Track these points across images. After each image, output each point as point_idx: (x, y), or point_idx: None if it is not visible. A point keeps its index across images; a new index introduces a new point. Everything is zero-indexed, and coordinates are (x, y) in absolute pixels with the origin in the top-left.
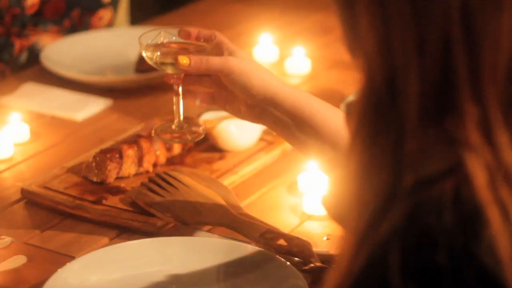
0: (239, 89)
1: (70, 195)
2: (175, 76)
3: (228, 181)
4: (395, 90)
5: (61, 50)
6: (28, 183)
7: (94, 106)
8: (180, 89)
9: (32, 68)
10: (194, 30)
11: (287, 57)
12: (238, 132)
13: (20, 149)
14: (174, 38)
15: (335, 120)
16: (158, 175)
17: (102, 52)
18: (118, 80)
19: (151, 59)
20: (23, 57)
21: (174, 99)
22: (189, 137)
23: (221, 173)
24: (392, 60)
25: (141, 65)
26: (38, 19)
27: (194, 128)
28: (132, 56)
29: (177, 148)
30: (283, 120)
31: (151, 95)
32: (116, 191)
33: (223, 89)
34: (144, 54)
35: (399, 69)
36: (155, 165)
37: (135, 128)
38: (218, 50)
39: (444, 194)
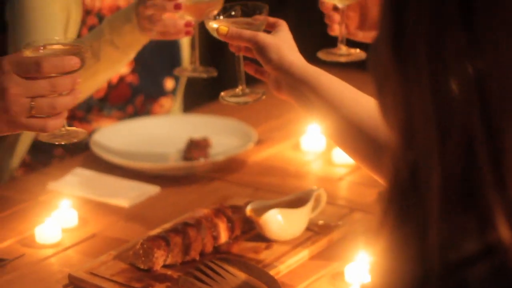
0: (260, 60)
1: (117, 282)
2: (235, 45)
3: (275, 271)
4: (418, 179)
5: (109, 136)
6: (75, 269)
7: (142, 192)
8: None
9: (82, 153)
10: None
11: (334, 147)
12: (285, 222)
13: (68, 235)
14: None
15: (340, 88)
16: (204, 264)
17: (150, 139)
18: (166, 167)
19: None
20: (83, 143)
21: (236, 66)
22: (250, 98)
23: (267, 263)
24: (415, 146)
25: (189, 153)
26: (104, 104)
27: (255, 92)
28: (181, 144)
29: (224, 237)
30: (296, 87)
31: (198, 183)
32: (163, 279)
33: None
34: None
35: (421, 157)
36: (202, 253)
37: (182, 216)
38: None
39: (485, 274)
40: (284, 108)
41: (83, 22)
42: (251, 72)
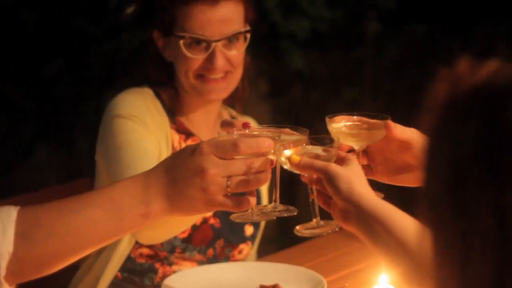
0: (330, 190)
1: None
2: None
3: None
4: None
5: (181, 281)
6: None
7: None
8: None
9: None
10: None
11: None
12: None
13: None
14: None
15: (413, 227)
16: None
17: (220, 285)
18: None
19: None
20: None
21: (310, 198)
22: (325, 230)
23: None
24: None
25: None
26: (187, 246)
27: (329, 224)
28: None
29: None
30: (365, 220)
31: None
32: None
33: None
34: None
35: None
36: None
37: None
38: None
39: None
40: (354, 258)
41: None
42: (320, 202)
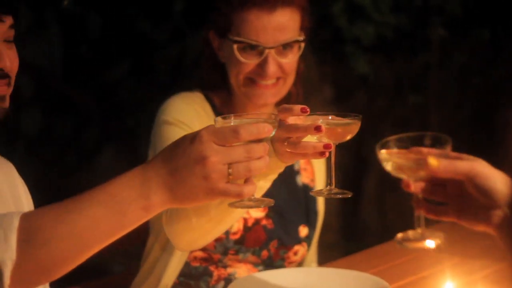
0: (484, 192)
1: None
2: (414, 183)
3: None
4: None
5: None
6: None
7: None
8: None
9: None
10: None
11: None
12: None
13: None
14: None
15: None
16: None
17: None
18: None
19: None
20: (219, 287)
21: (416, 211)
22: (433, 242)
23: None
24: None
25: None
26: (240, 247)
27: (435, 235)
28: None
29: None
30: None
31: None
32: None
33: (456, 198)
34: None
35: None
36: None
37: None
38: None
39: None
40: (420, 265)
41: None
42: (423, 212)
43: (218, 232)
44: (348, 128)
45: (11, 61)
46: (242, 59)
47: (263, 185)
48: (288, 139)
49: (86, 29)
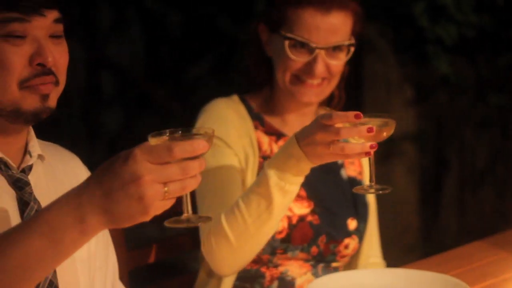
0: None
1: None
2: None
3: None
4: None
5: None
6: None
7: None
8: None
9: None
10: None
11: None
12: None
13: None
14: None
15: None
16: None
17: None
18: None
19: None
20: (274, 287)
21: None
22: None
23: None
24: None
25: None
26: (287, 245)
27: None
28: None
29: None
30: None
31: None
32: None
33: None
34: None
35: None
36: None
37: None
38: None
39: None
40: (501, 267)
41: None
42: None
43: (257, 249)
44: (387, 129)
45: (56, 57)
46: (292, 56)
47: (295, 189)
48: (334, 141)
49: (167, 28)
